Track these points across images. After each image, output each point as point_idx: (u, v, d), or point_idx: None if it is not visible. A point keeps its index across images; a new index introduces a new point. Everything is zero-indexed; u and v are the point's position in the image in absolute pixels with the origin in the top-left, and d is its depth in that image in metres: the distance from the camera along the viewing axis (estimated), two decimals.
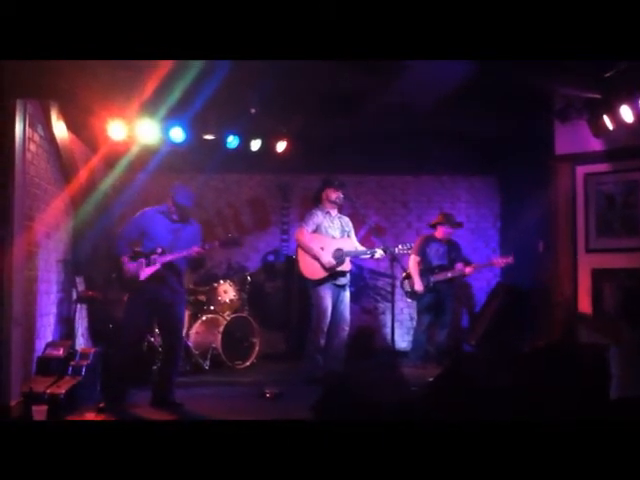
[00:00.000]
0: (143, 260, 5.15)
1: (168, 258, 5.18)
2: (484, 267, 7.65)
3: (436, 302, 7.17)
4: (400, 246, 6.07)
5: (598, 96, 6.18)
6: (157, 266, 5.16)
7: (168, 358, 5.32)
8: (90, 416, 4.80)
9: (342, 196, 6.18)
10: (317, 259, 6.03)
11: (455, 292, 7.55)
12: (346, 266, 6.09)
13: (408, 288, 7.16)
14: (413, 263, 7.08)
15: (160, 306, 5.21)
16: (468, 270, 7.17)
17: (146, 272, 5.14)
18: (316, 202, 6.31)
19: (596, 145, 6.69)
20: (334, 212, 6.26)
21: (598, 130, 6.42)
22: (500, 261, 7.13)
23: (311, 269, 6.07)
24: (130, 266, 5.14)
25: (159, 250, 5.16)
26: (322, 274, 6.04)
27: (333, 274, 6.05)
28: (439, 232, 7.29)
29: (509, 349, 6.68)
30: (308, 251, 6.07)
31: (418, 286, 7.03)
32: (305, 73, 5.37)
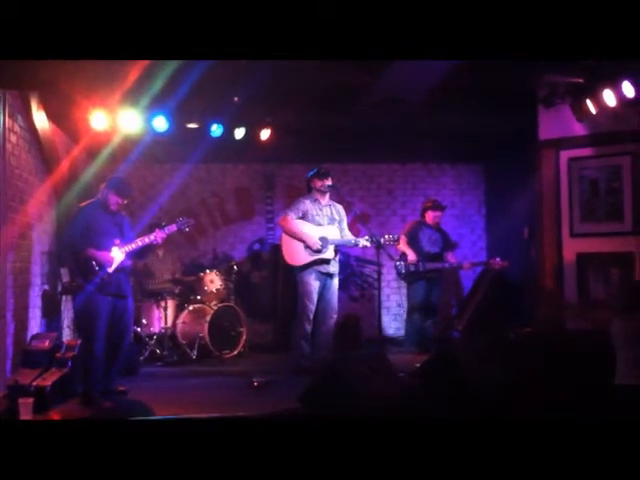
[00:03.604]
0: (106, 253, 5.07)
1: (132, 247, 5.17)
2: (479, 265, 7.69)
3: (427, 289, 7.18)
4: (387, 236, 6.04)
5: (581, 81, 6.20)
6: (123, 257, 5.14)
7: (117, 348, 5.25)
8: (75, 408, 4.79)
9: (327, 184, 6.17)
10: (303, 241, 6.01)
11: (444, 279, 7.58)
12: (330, 254, 6.07)
13: (402, 269, 7.15)
14: (403, 242, 7.05)
15: (120, 298, 5.21)
16: (465, 265, 7.24)
17: (114, 264, 5.09)
18: (308, 191, 6.30)
19: (579, 130, 6.72)
20: (324, 200, 6.24)
21: (581, 115, 6.45)
22: (497, 263, 7.11)
23: (295, 256, 6.06)
24: (100, 257, 5.03)
25: (117, 241, 5.12)
26: (306, 260, 6.03)
27: (317, 261, 6.03)
28: (428, 217, 7.31)
29: (496, 335, 6.71)
30: (294, 235, 6.05)
31: (411, 256, 7.04)
32: (291, 64, 5.33)
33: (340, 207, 6.39)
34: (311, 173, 6.26)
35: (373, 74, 5.85)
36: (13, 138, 5.11)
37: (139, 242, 5.21)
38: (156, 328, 7.04)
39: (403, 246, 7.06)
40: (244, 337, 7.26)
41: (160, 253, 7.51)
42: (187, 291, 7.37)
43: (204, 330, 6.95)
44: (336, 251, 6.15)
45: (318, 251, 6.00)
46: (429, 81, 5.92)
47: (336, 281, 6.21)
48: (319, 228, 6.11)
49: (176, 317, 7.12)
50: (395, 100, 6.41)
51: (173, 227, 5.42)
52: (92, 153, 6.86)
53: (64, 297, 6.30)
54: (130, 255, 5.23)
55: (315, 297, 6.07)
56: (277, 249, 7.61)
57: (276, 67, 5.45)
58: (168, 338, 6.97)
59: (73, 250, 5.14)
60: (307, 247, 6.02)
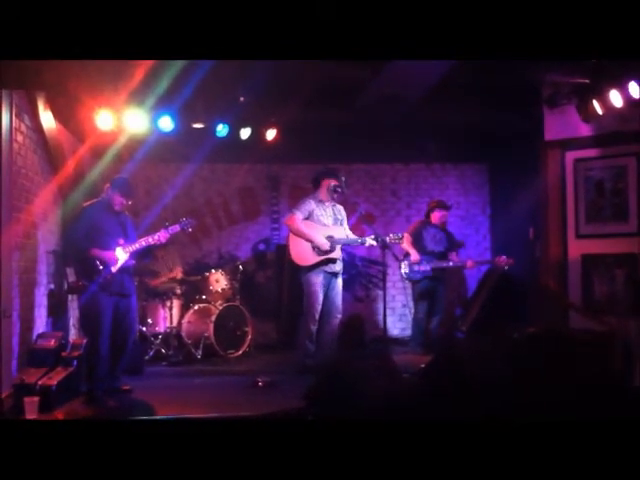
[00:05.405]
0: (111, 252, 5.13)
1: (136, 247, 5.21)
2: (484, 264, 7.69)
3: (432, 288, 7.18)
4: (391, 235, 6.07)
5: (587, 81, 6.18)
6: (127, 257, 5.18)
7: (122, 347, 5.29)
8: (79, 407, 4.81)
9: (336, 186, 6.18)
10: (311, 241, 6.02)
11: (448, 279, 7.58)
12: (336, 254, 6.08)
13: (407, 269, 7.14)
14: (407, 241, 7.04)
15: (123, 297, 5.25)
16: (470, 264, 7.23)
17: (118, 263, 5.14)
18: (314, 186, 6.29)
19: (585, 130, 6.69)
20: (327, 200, 6.25)
21: (587, 115, 6.42)
22: (502, 261, 7.11)
23: (302, 255, 6.07)
24: (104, 257, 5.09)
25: (121, 241, 5.17)
26: (313, 260, 6.04)
27: (324, 261, 6.04)
28: (434, 217, 7.30)
29: (500, 335, 6.70)
30: (301, 235, 6.06)
31: (414, 256, 7.03)
32: (294, 63, 5.33)
33: (341, 207, 6.40)
34: (322, 171, 6.27)
35: (374, 71, 5.86)
36: (20, 138, 5.13)
37: (143, 242, 5.26)
38: (161, 328, 7.06)
39: (407, 245, 7.06)
40: (249, 337, 7.27)
41: (164, 253, 7.53)
42: (192, 291, 7.38)
43: (209, 330, 6.96)
44: (340, 250, 6.18)
45: (327, 252, 6.01)
46: (430, 79, 5.92)
47: (340, 281, 6.22)
48: (325, 228, 6.12)
49: (181, 317, 7.14)
50: (395, 97, 6.40)
51: (176, 227, 5.45)
52: (98, 153, 6.88)
53: (70, 296, 6.32)
54: (133, 255, 5.26)
55: (321, 297, 6.08)
56: (282, 249, 7.63)
57: (281, 67, 5.46)
58: (173, 338, 6.99)
59: (77, 250, 5.18)
60: (315, 247, 6.03)
